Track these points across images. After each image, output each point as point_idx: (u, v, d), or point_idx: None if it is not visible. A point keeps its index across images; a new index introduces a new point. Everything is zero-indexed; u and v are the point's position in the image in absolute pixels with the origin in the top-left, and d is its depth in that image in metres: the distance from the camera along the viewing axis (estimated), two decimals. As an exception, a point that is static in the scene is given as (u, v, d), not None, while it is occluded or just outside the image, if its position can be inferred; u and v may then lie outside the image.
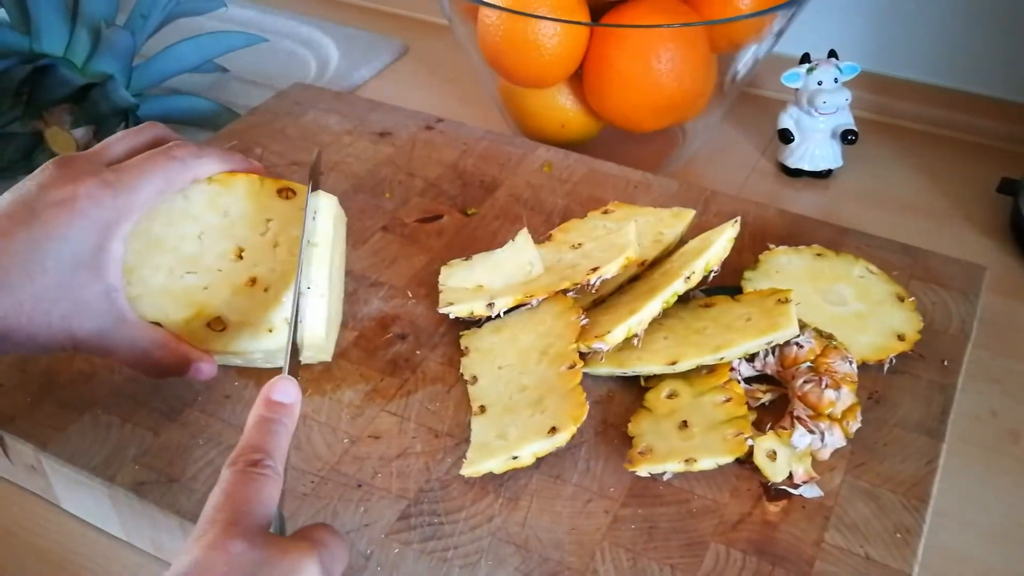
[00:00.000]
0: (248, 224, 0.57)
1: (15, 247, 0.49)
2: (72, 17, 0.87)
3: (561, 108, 0.85)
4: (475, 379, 0.60)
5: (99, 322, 0.52)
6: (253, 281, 0.56)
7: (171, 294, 0.56)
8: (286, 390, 0.44)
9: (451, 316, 0.64)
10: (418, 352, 0.63)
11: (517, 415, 0.57)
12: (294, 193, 0.58)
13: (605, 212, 0.71)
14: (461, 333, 0.64)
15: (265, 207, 0.58)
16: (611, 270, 0.61)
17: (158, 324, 0.56)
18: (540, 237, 0.70)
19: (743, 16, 0.79)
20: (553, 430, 0.54)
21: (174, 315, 0.56)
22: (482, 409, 0.58)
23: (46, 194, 0.50)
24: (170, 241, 0.56)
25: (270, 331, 0.57)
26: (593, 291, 0.62)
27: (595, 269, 0.61)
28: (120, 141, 0.56)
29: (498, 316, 0.62)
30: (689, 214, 0.68)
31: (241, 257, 0.57)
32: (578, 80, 0.83)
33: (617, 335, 0.58)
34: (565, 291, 0.62)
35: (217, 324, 0.56)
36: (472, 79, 1.00)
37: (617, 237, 0.65)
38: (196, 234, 0.57)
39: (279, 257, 0.57)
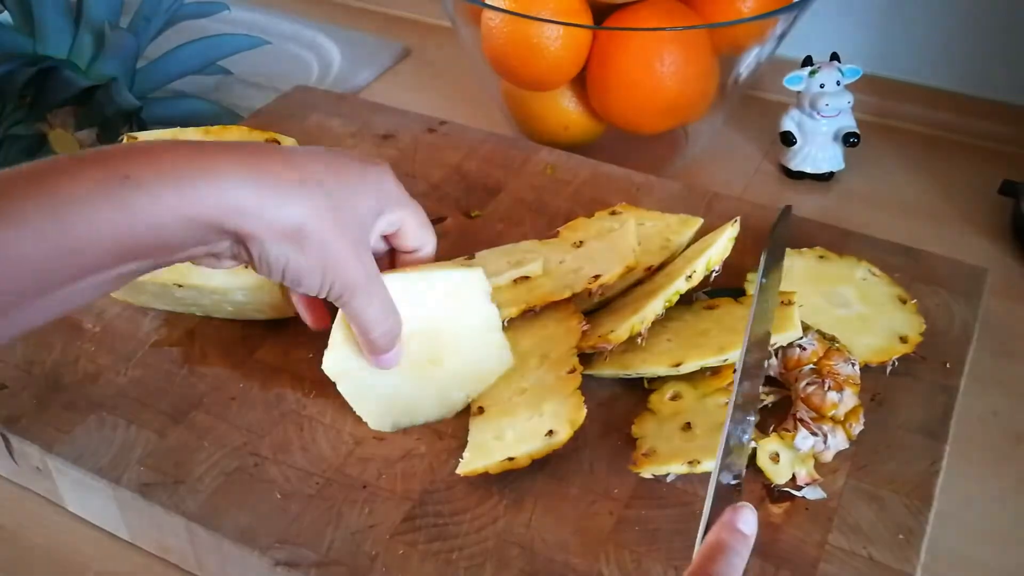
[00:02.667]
0: None
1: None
2: (76, 20, 0.87)
3: (564, 110, 0.85)
4: None
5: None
6: None
7: None
8: (750, 520, 0.43)
9: None
10: (422, 354, 0.63)
11: (515, 417, 0.57)
12: (279, 144, 0.61)
13: (613, 213, 0.71)
14: (465, 335, 0.64)
15: None
16: (612, 278, 0.61)
17: None
18: (545, 237, 0.70)
19: (746, 19, 0.79)
20: (550, 433, 0.54)
21: None
22: (480, 410, 0.58)
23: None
24: None
25: (245, 266, 0.58)
26: (595, 300, 0.62)
27: (596, 277, 0.61)
28: None
29: (503, 325, 0.62)
30: (697, 222, 0.68)
31: None
32: (581, 82, 0.83)
33: (620, 334, 0.58)
34: (567, 299, 0.62)
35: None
36: (475, 81, 1.00)
37: (618, 237, 0.65)
38: None
39: None
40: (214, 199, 0.44)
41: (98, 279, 0.44)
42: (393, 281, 0.55)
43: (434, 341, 0.58)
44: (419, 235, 0.56)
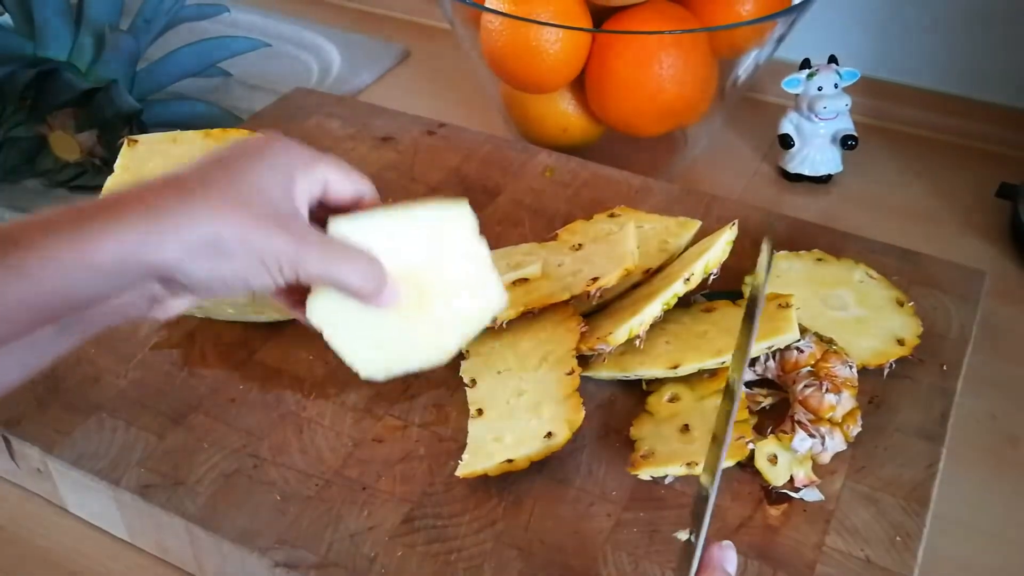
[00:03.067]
0: None
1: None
2: (76, 22, 0.88)
3: (563, 113, 0.85)
4: (473, 382, 0.61)
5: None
6: None
7: None
8: (733, 560, 0.45)
9: None
10: (421, 356, 0.64)
11: (514, 419, 0.57)
12: None
13: (611, 216, 0.72)
14: (463, 337, 0.64)
15: None
16: (610, 281, 0.61)
17: None
18: (544, 239, 0.71)
19: (745, 23, 0.79)
20: (549, 435, 0.55)
21: None
22: (479, 412, 0.59)
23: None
24: None
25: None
26: (594, 302, 0.63)
27: (595, 280, 0.61)
28: None
29: (501, 326, 0.62)
30: (695, 225, 0.69)
31: None
32: (580, 85, 0.83)
33: (619, 336, 0.59)
34: (566, 301, 0.62)
35: None
36: (474, 84, 1.00)
37: (616, 240, 0.65)
38: None
39: None
40: (113, 241, 0.42)
41: (21, 344, 0.42)
42: (369, 221, 0.51)
43: (421, 284, 0.52)
44: (349, 185, 0.51)
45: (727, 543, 0.46)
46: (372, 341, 0.52)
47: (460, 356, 0.63)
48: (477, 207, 0.76)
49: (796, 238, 0.72)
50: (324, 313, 0.51)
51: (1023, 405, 0.66)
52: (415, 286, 0.52)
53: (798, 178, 0.88)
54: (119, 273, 0.43)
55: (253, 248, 0.45)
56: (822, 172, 0.87)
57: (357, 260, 0.49)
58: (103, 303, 0.44)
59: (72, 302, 0.43)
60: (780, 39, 0.81)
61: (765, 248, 0.54)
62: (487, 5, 0.79)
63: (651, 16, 0.79)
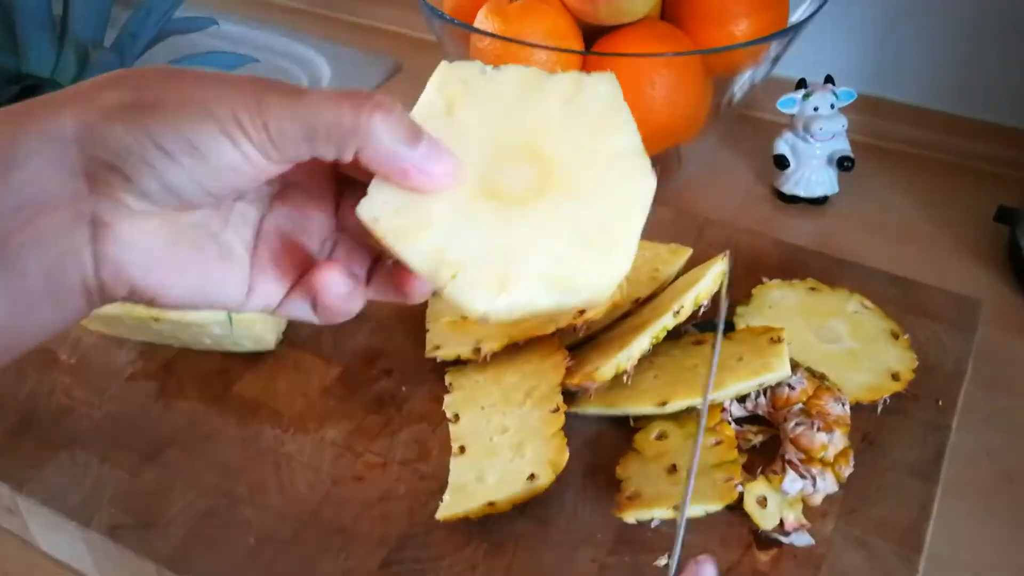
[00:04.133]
0: None
1: None
2: (60, 38, 0.86)
3: (554, 133, 0.84)
4: (457, 417, 0.59)
5: None
6: None
7: None
8: (713, 572, 0.43)
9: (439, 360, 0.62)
10: (403, 388, 0.62)
11: (497, 458, 0.56)
12: None
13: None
14: (447, 369, 0.63)
15: None
16: (597, 314, 0.60)
17: None
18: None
19: (738, 45, 0.78)
20: (532, 477, 0.53)
21: None
22: (462, 450, 0.57)
23: None
24: None
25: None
26: (580, 334, 0.61)
27: (582, 312, 0.60)
28: None
29: (485, 359, 0.61)
30: (686, 252, 0.67)
31: None
32: (571, 105, 0.82)
33: (606, 372, 0.57)
34: (551, 333, 0.61)
35: None
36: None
37: None
38: None
39: None
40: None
41: None
42: (492, 75, 0.39)
43: (546, 160, 0.39)
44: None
45: (703, 557, 0.43)
46: (478, 250, 0.36)
47: (446, 390, 0.61)
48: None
49: (789, 265, 0.71)
50: (383, 205, 0.36)
51: (1020, 440, 0.65)
52: (533, 160, 0.39)
53: (793, 199, 0.86)
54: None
55: (197, 100, 0.34)
56: (818, 193, 0.86)
57: (353, 99, 0.35)
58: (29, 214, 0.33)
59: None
60: (776, 59, 0.80)
61: (724, 273, 0.52)
62: (477, 25, 0.78)
63: (643, 36, 0.77)
